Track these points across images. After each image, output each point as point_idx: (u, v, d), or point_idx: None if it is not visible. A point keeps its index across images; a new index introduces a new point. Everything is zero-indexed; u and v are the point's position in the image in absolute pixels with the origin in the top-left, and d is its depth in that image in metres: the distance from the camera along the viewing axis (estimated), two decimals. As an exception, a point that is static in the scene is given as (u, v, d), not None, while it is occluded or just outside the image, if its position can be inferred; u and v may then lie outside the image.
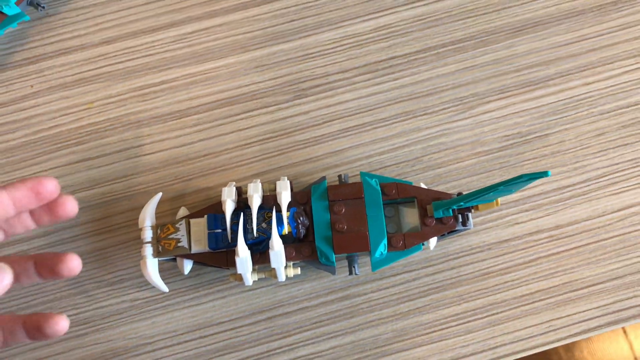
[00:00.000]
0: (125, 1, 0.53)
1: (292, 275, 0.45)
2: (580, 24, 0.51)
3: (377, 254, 0.43)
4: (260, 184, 0.44)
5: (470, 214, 0.45)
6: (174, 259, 0.45)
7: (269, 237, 0.42)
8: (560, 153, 0.49)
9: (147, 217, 0.45)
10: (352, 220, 0.44)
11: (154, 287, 0.46)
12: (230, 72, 0.51)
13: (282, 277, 0.44)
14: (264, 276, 0.45)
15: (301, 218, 0.43)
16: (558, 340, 0.45)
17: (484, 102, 0.50)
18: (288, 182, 0.44)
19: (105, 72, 0.52)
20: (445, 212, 0.43)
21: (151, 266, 0.44)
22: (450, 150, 0.49)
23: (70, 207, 0.34)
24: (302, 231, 0.43)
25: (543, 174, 0.37)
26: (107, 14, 0.53)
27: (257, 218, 0.43)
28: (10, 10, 0.50)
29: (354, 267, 0.44)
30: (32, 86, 0.51)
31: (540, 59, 0.51)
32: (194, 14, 0.53)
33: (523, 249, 0.47)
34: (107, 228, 0.48)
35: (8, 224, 0.35)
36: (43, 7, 0.52)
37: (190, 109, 0.51)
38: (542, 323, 0.46)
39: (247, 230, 0.43)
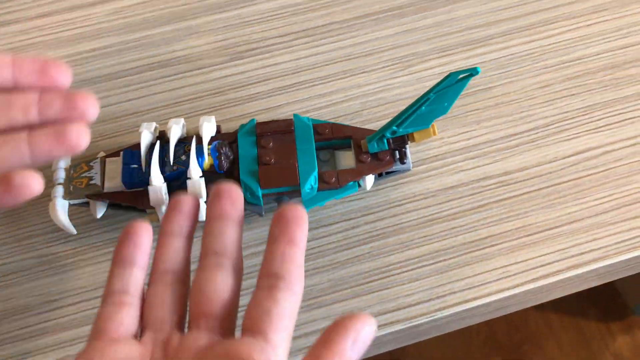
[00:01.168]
0: (65, -21, 0.54)
1: (215, 216, 0.40)
2: (518, -8, 0.52)
3: (307, 188, 0.40)
4: (182, 120, 0.41)
5: (407, 151, 0.42)
6: (87, 204, 0.41)
7: (187, 169, 0.38)
8: (505, 104, 0.47)
9: (61, 160, 0.42)
10: (281, 154, 0.40)
11: (64, 240, 0.42)
12: (165, 39, 0.51)
13: (202, 215, 0.40)
14: (183, 217, 0.40)
15: (224, 149, 0.40)
16: (515, 286, 0.40)
17: (425, 60, 0.49)
18: (213, 118, 0.41)
19: (39, 41, 0.51)
20: (379, 145, 0.41)
21: (60, 207, 0.40)
22: (390, 104, 0.47)
23: (92, 102, 0.29)
24: (225, 164, 0.40)
25: (472, 70, 0.35)
26: (46, -9, 0.53)
27: (176, 150, 0.40)
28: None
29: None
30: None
31: (481, 21, 0.51)
32: (132, -11, 0.53)
33: (470, 195, 0.43)
34: (21, 184, 0.44)
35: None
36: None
37: (121, 71, 0.49)
38: (495, 269, 0.41)
39: (164, 164, 0.39)
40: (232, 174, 0.41)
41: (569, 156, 0.45)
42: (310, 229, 0.43)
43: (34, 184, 0.28)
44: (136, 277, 0.29)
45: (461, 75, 0.35)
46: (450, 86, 0.36)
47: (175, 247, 0.30)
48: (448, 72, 0.36)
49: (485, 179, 0.44)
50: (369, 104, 0.47)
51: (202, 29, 0.51)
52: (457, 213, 0.43)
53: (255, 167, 0.40)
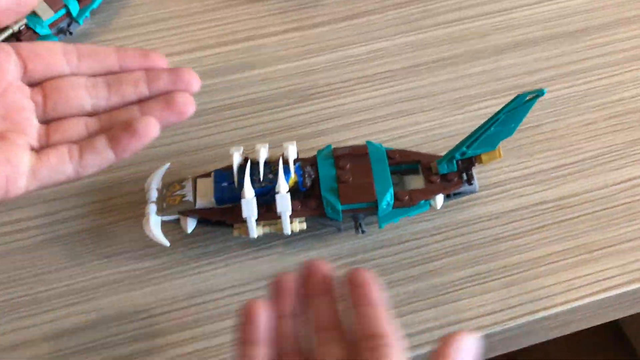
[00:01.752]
0: (143, 33, 0.59)
1: (297, 230, 0.44)
2: (556, 46, 0.57)
3: (384, 204, 0.43)
4: (267, 145, 0.45)
5: (474, 174, 0.45)
6: (178, 221, 0.44)
7: (275, 186, 0.42)
8: (554, 139, 0.51)
9: (154, 180, 0.45)
10: (358, 174, 0.44)
11: (152, 256, 0.45)
12: (239, 85, 0.55)
13: (287, 228, 0.43)
14: (269, 230, 0.44)
15: (307, 168, 0.44)
16: (581, 297, 0.43)
17: (477, 101, 0.53)
18: (295, 142, 0.45)
19: (122, 85, 0.55)
20: (449, 166, 0.44)
21: (153, 222, 0.43)
22: (448, 139, 0.51)
23: (194, 75, 0.34)
24: (308, 181, 0.43)
25: (539, 91, 0.39)
26: (127, 43, 0.59)
27: (264, 170, 0.43)
28: (42, 30, 0.55)
29: (360, 224, 0.44)
30: (51, 97, 0.55)
31: (525, 69, 0.56)
32: (206, 42, 0.59)
33: (530, 217, 0.47)
34: (110, 206, 0.48)
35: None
36: (71, 33, 0.58)
37: (199, 112, 0.53)
38: (560, 282, 0.43)
39: (253, 181, 0.43)
40: (313, 191, 0.44)
41: (618, 183, 0.48)
42: (382, 247, 0.45)
43: (153, 128, 0.32)
44: (261, 354, 0.31)
45: (529, 97, 0.40)
46: (518, 107, 0.40)
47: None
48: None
49: (542, 203, 0.47)
50: (427, 138, 0.51)
51: (272, 76, 0.56)
52: (520, 233, 0.46)
53: (335, 185, 0.43)
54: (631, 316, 0.47)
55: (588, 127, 0.52)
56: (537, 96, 0.39)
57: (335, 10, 0.61)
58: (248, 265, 0.45)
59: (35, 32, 0.55)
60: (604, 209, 0.47)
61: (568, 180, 0.49)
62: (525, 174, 0.49)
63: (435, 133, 0.52)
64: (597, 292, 0.43)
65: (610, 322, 0.90)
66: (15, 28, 0.54)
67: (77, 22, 0.58)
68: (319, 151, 0.46)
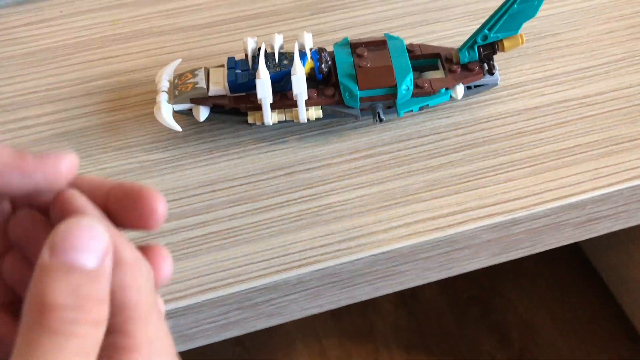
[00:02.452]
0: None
1: (314, 118, 0.42)
2: None
3: (404, 89, 0.42)
4: (282, 35, 0.44)
5: (496, 64, 0.44)
6: (190, 112, 0.43)
7: (290, 70, 0.40)
8: (575, 45, 0.50)
9: (165, 73, 0.44)
10: (376, 60, 0.43)
11: (162, 149, 0.43)
12: (250, 0, 0.54)
13: (303, 114, 0.42)
14: (284, 118, 0.42)
15: (324, 53, 0.43)
16: (609, 185, 0.41)
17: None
18: (311, 33, 0.44)
19: (132, 1, 0.55)
20: (471, 53, 0.43)
21: (165, 109, 0.42)
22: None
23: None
24: (325, 67, 0.42)
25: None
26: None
27: (279, 57, 0.42)
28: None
29: (378, 112, 0.42)
30: (61, 11, 0.54)
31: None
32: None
33: (554, 113, 0.45)
34: (120, 106, 0.47)
35: None
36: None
37: (212, 23, 0.53)
38: (587, 171, 0.42)
39: (268, 67, 0.42)
40: (329, 80, 0.43)
41: (643, 84, 0.47)
42: (400, 140, 0.44)
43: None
44: None
45: (554, -34, 0.38)
46: (543, -21, 0.39)
47: None
48: None
49: (567, 101, 0.46)
50: (446, 45, 0.50)
51: (285, -8, 0.55)
52: (544, 127, 0.44)
53: (353, 72, 0.42)
54: (622, 280, 0.45)
55: (610, 35, 0.50)
56: (563, -35, 0.38)
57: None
58: (262, 157, 0.43)
59: (46, -52, 0.55)
60: (630, 106, 0.45)
61: (592, 81, 0.47)
62: (547, 76, 0.48)
63: (454, 40, 0.50)
64: (625, 180, 0.41)
65: (621, 319, 0.88)
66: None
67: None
68: (336, 43, 0.45)
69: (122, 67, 0.49)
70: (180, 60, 0.46)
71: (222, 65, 0.44)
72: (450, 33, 0.51)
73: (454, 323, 0.93)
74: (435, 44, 0.50)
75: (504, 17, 0.41)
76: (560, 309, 0.95)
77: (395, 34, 0.50)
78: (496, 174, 0.42)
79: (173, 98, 0.42)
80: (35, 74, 0.49)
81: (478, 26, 0.42)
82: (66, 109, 0.46)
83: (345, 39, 0.45)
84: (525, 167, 0.42)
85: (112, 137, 0.44)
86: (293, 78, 0.40)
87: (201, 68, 0.44)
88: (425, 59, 0.45)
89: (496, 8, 0.41)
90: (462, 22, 0.52)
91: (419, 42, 0.50)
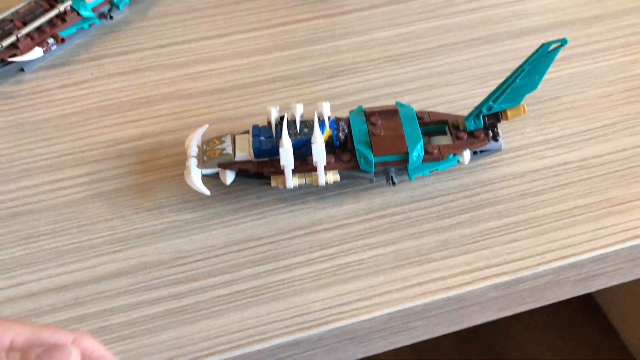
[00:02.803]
0: (179, 20, 0.63)
1: (331, 182, 0.46)
2: (571, 30, 0.60)
3: (415, 155, 0.45)
4: (302, 105, 0.48)
5: (500, 131, 0.47)
6: (217, 176, 0.46)
7: (310, 139, 0.44)
8: (573, 109, 0.53)
9: (194, 138, 0.47)
10: (389, 128, 0.46)
11: (191, 210, 0.47)
12: (271, 64, 0.58)
13: (322, 178, 0.45)
14: (304, 182, 0.46)
15: (341, 123, 0.46)
16: (606, 245, 0.44)
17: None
18: (329, 103, 0.48)
19: (160, 64, 0.59)
20: (476, 122, 0.46)
21: (194, 173, 0.45)
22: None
23: None
24: (342, 135, 0.46)
25: (562, 40, 0.41)
26: (163, 29, 0.62)
27: (300, 125, 0.46)
28: (86, 13, 0.59)
29: (391, 176, 0.46)
30: (92, 74, 0.58)
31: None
32: (240, 28, 0.62)
33: (555, 176, 0.48)
34: (151, 167, 0.50)
35: None
36: (111, 17, 0.61)
37: (235, 86, 0.56)
38: (586, 232, 0.45)
39: (290, 135, 0.45)
40: (346, 146, 0.46)
41: (639, 146, 0.50)
42: (412, 201, 0.47)
43: None
44: None
45: (552, 46, 0.42)
46: (542, 57, 0.43)
47: None
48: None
49: (566, 164, 0.49)
50: (454, 109, 0.53)
51: (303, 56, 0.59)
52: (545, 189, 0.47)
53: (368, 139, 0.46)
54: (621, 311, 0.48)
55: (606, 99, 0.54)
56: (561, 45, 0.42)
57: (360, 1, 0.64)
58: (283, 217, 0.46)
59: (79, 14, 0.59)
60: (625, 169, 0.49)
61: (589, 144, 0.50)
62: (548, 139, 0.51)
63: (461, 104, 0.54)
64: (621, 241, 0.44)
65: (623, 354, 0.89)
66: (62, 9, 0.58)
67: (117, 7, 0.62)
68: (351, 110, 0.48)
69: (150, 130, 0.53)
70: (207, 126, 0.49)
71: (247, 132, 0.47)
72: (458, 96, 0.54)
73: (457, 357, 0.95)
74: (443, 106, 0.54)
75: (508, 90, 0.44)
76: (562, 343, 0.97)
77: (405, 97, 0.54)
78: (501, 235, 0.45)
79: (202, 163, 0.46)
80: (70, 135, 0.53)
81: (484, 89, 0.45)
82: (100, 170, 0.50)
83: (360, 107, 0.48)
84: (528, 228, 0.45)
85: (144, 198, 0.48)
86: (313, 146, 0.44)
87: (228, 135, 0.47)
88: (433, 125, 0.48)
89: (500, 72, 0.44)
90: (469, 86, 0.55)
91: (428, 105, 0.54)
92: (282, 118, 0.46)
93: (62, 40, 0.58)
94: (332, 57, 0.59)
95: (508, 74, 0.45)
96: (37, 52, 0.57)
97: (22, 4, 0.59)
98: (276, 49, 0.60)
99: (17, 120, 0.54)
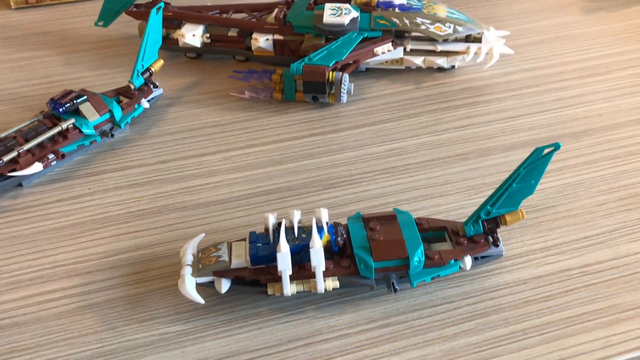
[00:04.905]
0: (179, 138, 0.64)
1: (331, 289, 0.44)
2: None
3: (416, 260, 0.44)
4: (299, 211, 0.48)
5: (499, 237, 0.47)
6: (212, 284, 0.45)
7: (308, 244, 0.43)
8: (570, 217, 0.53)
9: (189, 247, 0.47)
10: (388, 233, 0.46)
11: (184, 321, 0.45)
12: (267, 176, 0.59)
13: (321, 285, 0.44)
14: (302, 289, 0.44)
15: (339, 227, 0.46)
16: (619, 353, 0.42)
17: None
18: (327, 209, 0.48)
19: (158, 179, 0.59)
20: (475, 227, 0.46)
21: (189, 282, 0.44)
22: (470, 218, 0.53)
23: None
24: (340, 240, 0.45)
25: (555, 145, 0.43)
26: (163, 147, 0.63)
27: (297, 230, 0.45)
28: (88, 131, 0.60)
29: (392, 282, 0.44)
30: (90, 188, 0.58)
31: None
32: (237, 145, 0.63)
33: (558, 282, 0.47)
34: (143, 278, 0.49)
35: None
36: (112, 135, 0.63)
37: (231, 198, 0.57)
38: (597, 339, 0.43)
39: (287, 240, 0.45)
40: (344, 252, 0.45)
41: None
42: (414, 310, 0.46)
43: None
44: None
45: (546, 150, 0.43)
46: (537, 162, 0.43)
47: None
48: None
49: (569, 270, 0.48)
50: (450, 217, 0.53)
51: (298, 170, 0.60)
52: (551, 295, 0.46)
53: (367, 244, 0.45)
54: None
55: (601, 207, 0.54)
56: (554, 150, 0.43)
57: (353, 120, 0.67)
58: (280, 328, 0.45)
59: (80, 132, 0.60)
60: (629, 274, 0.48)
61: (590, 250, 0.50)
62: (548, 246, 0.51)
63: (457, 213, 0.54)
64: (635, 349, 0.42)
65: None
66: (64, 126, 0.59)
67: (119, 126, 0.63)
68: (349, 217, 0.48)
69: (146, 241, 0.52)
70: (203, 234, 0.49)
71: (244, 239, 0.47)
72: (454, 206, 0.55)
73: None
74: (439, 215, 0.54)
75: (505, 195, 0.45)
76: None
77: (401, 207, 0.54)
78: (510, 343, 0.43)
79: (197, 271, 0.45)
80: (64, 247, 0.52)
81: (479, 199, 0.45)
82: (92, 281, 0.48)
83: (358, 213, 0.48)
84: (536, 336, 0.43)
85: (135, 309, 0.46)
86: (312, 251, 0.43)
87: (224, 242, 0.46)
88: (433, 232, 0.48)
89: (493, 183, 0.45)
90: (463, 196, 0.56)
91: (425, 214, 0.53)
92: (279, 224, 0.46)
93: (63, 156, 0.59)
94: (328, 170, 0.59)
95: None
96: (36, 167, 0.57)
97: (26, 122, 0.61)
98: (273, 163, 0.61)
99: (10, 233, 0.53)
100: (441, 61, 0.72)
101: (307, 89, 0.67)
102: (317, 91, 0.67)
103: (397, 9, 0.71)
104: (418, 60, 0.72)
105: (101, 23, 0.81)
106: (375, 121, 0.67)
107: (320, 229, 0.45)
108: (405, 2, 0.72)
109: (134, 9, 0.78)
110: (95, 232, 0.53)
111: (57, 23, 0.91)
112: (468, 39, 0.72)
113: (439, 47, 0.71)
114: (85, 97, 0.61)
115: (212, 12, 0.77)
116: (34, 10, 0.95)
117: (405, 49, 0.72)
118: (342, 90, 0.67)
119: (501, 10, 0.87)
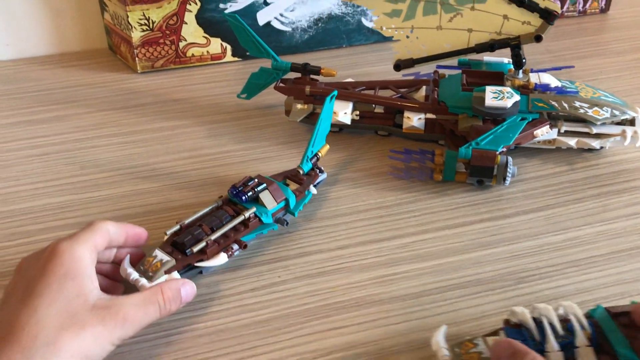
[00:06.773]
0: (354, 220, 0.65)
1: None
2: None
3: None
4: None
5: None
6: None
7: (570, 341, 0.44)
8: None
9: (440, 339, 0.47)
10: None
11: None
12: (452, 267, 0.59)
13: None
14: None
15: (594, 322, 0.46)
16: None
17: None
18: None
19: (343, 267, 0.59)
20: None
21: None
22: None
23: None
24: (600, 338, 0.45)
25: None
26: (338, 230, 0.64)
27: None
28: (267, 219, 0.61)
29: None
30: (279, 276, 0.58)
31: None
32: (409, 230, 0.64)
33: None
34: (367, 382, 0.48)
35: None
36: (287, 223, 0.63)
37: (424, 292, 0.56)
38: None
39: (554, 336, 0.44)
40: (602, 348, 0.44)
41: None
42: None
43: None
44: None
45: None
46: None
47: None
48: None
49: None
50: None
51: (481, 260, 0.60)
52: None
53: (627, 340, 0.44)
54: None
55: None
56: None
57: (518, 204, 0.67)
58: None
59: (260, 220, 0.61)
60: None
61: None
62: None
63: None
64: None
65: None
66: (246, 215, 0.59)
67: (292, 213, 0.64)
68: (591, 310, 0.47)
69: (355, 338, 0.52)
70: (446, 327, 0.48)
71: (496, 333, 0.47)
72: None
73: None
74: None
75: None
76: None
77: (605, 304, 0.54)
78: None
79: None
80: (275, 344, 0.52)
81: None
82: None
83: (600, 306, 0.47)
84: None
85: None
86: (578, 350, 0.43)
87: (479, 337, 0.47)
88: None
89: None
90: None
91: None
92: (533, 319, 0.46)
93: (245, 246, 0.59)
94: (514, 262, 0.59)
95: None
96: (222, 258, 0.57)
97: (206, 209, 0.61)
98: (452, 253, 0.61)
99: (215, 326, 0.53)
100: (595, 143, 0.72)
101: (473, 172, 0.67)
102: (484, 175, 0.67)
103: (554, 92, 0.71)
104: (572, 142, 0.73)
105: (244, 96, 0.83)
106: (542, 206, 0.67)
107: (581, 325, 0.45)
108: (560, 84, 0.73)
109: (281, 84, 0.79)
110: (301, 326, 0.53)
111: (184, 89, 0.92)
112: (621, 121, 0.72)
113: (594, 130, 0.71)
114: (264, 185, 0.62)
115: (359, 89, 0.78)
116: (158, 74, 0.97)
117: (559, 130, 0.72)
118: (507, 174, 0.67)
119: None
